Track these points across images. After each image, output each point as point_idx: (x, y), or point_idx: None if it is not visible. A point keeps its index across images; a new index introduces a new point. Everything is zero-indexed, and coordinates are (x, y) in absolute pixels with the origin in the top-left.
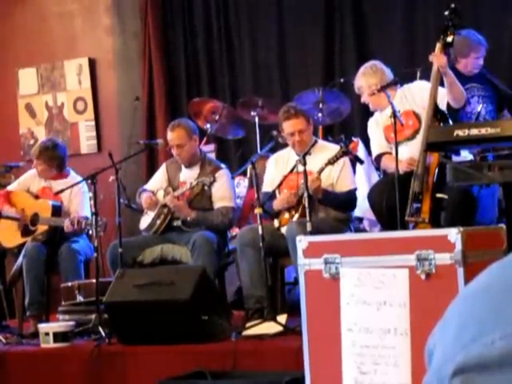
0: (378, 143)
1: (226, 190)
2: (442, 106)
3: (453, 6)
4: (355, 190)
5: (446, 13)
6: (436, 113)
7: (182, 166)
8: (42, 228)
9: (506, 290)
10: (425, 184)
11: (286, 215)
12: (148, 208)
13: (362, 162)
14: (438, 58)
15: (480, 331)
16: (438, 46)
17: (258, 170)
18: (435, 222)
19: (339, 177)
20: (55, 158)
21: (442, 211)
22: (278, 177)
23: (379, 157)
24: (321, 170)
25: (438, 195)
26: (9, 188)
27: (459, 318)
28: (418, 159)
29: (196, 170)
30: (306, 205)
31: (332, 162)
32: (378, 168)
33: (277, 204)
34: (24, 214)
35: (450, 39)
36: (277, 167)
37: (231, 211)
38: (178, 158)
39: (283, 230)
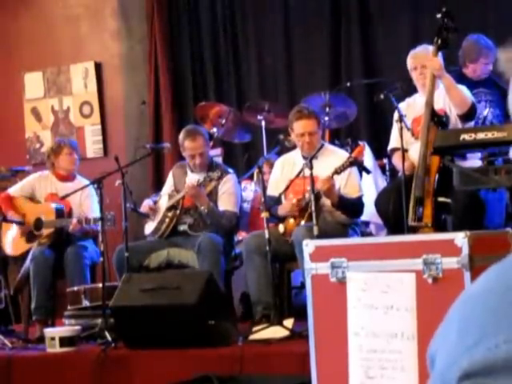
0: (396, 136)
1: (231, 195)
2: (437, 105)
3: (444, 9)
4: (362, 196)
5: (439, 16)
6: (433, 116)
7: (188, 171)
8: (46, 231)
9: (507, 292)
10: (426, 188)
11: (291, 220)
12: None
13: (368, 172)
14: (431, 61)
15: (483, 335)
16: (432, 49)
17: (264, 173)
18: (439, 227)
19: (346, 183)
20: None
21: (446, 215)
22: (284, 180)
23: (392, 151)
24: (328, 177)
25: (440, 199)
26: (10, 191)
27: (460, 322)
28: (418, 163)
29: (203, 175)
30: (313, 208)
31: (339, 171)
32: (384, 172)
33: (280, 211)
34: (27, 221)
35: (443, 42)
36: (283, 171)
37: (233, 216)
38: (197, 165)
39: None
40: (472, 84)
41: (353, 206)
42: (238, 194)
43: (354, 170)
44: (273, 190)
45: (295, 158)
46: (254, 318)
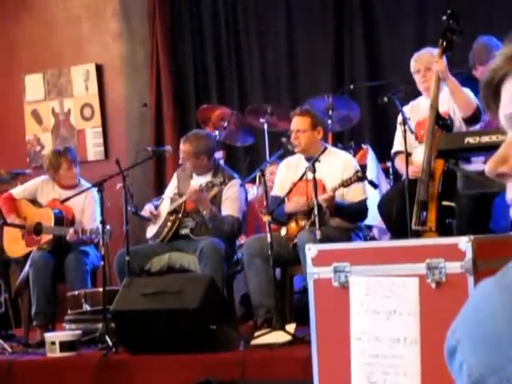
0: (400, 139)
1: (235, 201)
2: (441, 108)
3: (450, 11)
4: (366, 199)
5: (444, 18)
6: (437, 119)
7: (194, 174)
8: (46, 237)
9: None
10: (430, 192)
11: (293, 224)
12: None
13: (376, 187)
14: (436, 64)
15: None
16: (438, 51)
17: (266, 177)
18: (443, 231)
19: (350, 187)
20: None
21: (451, 219)
22: (288, 183)
23: (395, 154)
24: (334, 190)
25: (445, 203)
26: (13, 192)
27: (508, 322)
28: (421, 166)
29: (208, 178)
30: (316, 213)
31: (346, 184)
32: (387, 175)
33: (288, 206)
34: (27, 224)
35: (448, 44)
36: (287, 173)
37: (236, 222)
38: (189, 168)
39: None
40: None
41: (353, 213)
42: (242, 199)
43: None
44: (276, 191)
45: (299, 161)
46: (255, 322)
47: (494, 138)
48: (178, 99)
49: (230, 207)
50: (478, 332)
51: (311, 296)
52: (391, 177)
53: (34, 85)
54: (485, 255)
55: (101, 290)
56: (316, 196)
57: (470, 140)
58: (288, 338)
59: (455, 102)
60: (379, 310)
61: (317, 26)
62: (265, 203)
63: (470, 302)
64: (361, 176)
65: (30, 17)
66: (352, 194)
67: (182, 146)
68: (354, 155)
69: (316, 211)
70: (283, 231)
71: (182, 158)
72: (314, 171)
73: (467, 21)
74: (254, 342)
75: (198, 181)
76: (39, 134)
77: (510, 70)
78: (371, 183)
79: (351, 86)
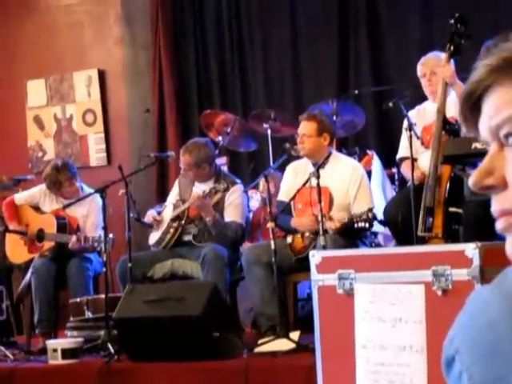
0: (405, 145)
1: (238, 207)
2: (448, 113)
3: (457, 14)
4: (372, 208)
5: (451, 21)
6: (444, 124)
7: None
8: (48, 244)
9: None
10: (436, 198)
11: (299, 235)
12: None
13: (385, 225)
14: (444, 69)
15: None
16: (445, 56)
17: (269, 183)
18: (449, 237)
19: (356, 197)
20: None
21: (457, 226)
22: (294, 187)
23: (401, 160)
24: (342, 223)
25: (451, 209)
26: (15, 198)
27: (508, 329)
28: (428, 172)
29: (210, 185)
30: (319, 219)
31: (356, 221)
32: (393, 181)
33: (295, 223)
34: (29, 231)
35: (455, 48)
36: (294, 177)
37: (239, 228)
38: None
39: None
40: None
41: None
42: (245, 204)
43: (366, 182)
44: (283, 195)
45: (306, 165)
46: (259, 330)
47: None
48: (181, 104)
49: (232, 213)
50: (477, 340)
51: (315, 303)
52: (396, 183)
53: (36, 90)
54: (492, 262)
55: (103, 296)
56: (320, 201)
57: (478, 145)
58: (292, 345)
59: None
60: (384, 318)
61: (321, 31)
62: (268, 210)
63: (466, 311)
64: (371, 217)
65: (32, 22)
66: (358, 204)
67: (182, 157)
68: (359, 161)
69: (320, 217)
70: (289, 239)
71: (183, 168)
72: (318, 177)
73: (474, 25)
74: (258, 349)
75: (200, 187)
76: (41, 139)
77: (495, 81)
78: (381, 222)
79: (356, 91)
